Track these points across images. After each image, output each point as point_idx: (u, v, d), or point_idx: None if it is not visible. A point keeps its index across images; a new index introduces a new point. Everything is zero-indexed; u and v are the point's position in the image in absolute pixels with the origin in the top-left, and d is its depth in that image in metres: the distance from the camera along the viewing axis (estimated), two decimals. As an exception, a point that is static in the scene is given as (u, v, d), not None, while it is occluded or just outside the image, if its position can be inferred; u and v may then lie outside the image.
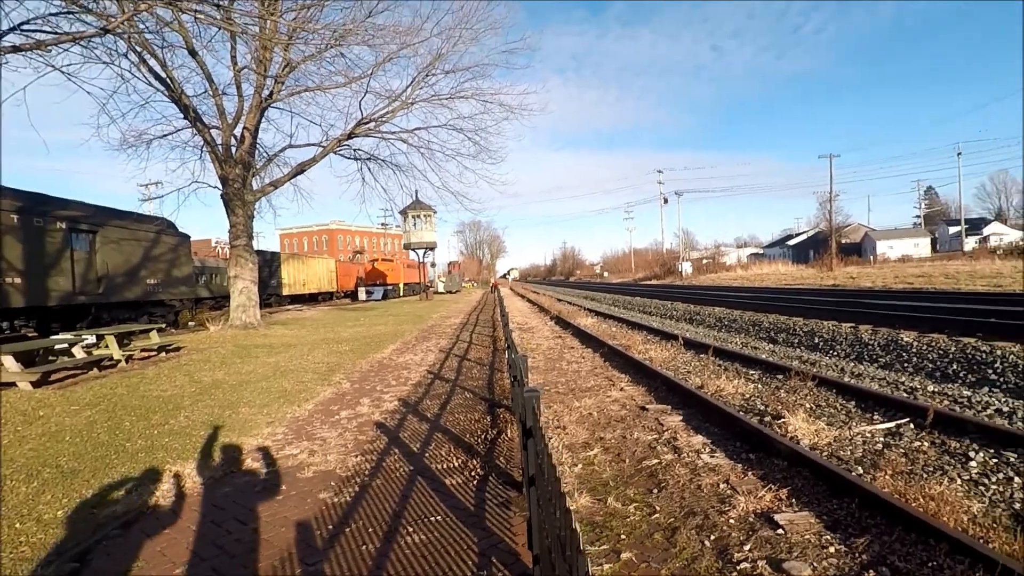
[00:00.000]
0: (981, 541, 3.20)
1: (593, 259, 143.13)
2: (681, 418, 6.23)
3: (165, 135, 17.64)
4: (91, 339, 11.06)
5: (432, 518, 3.77)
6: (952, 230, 73.62)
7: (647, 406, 6.82)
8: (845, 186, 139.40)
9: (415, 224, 40.44)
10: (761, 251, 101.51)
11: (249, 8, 13.84)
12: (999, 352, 8.36)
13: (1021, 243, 53.53)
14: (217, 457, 5.29)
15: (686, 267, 67.22)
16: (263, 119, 17.84)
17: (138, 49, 14.37)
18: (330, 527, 3.71)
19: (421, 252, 42.51)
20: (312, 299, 41.32)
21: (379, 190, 21.93)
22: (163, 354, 12.13)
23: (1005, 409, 6.04)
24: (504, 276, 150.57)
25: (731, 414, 5.79)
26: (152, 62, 14.99)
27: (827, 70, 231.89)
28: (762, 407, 6.50)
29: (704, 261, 75.98)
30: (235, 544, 3.52)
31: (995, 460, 4.55)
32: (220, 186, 17.45)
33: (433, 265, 60.81)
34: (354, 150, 20.54)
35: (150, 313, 18.59)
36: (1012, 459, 4.52)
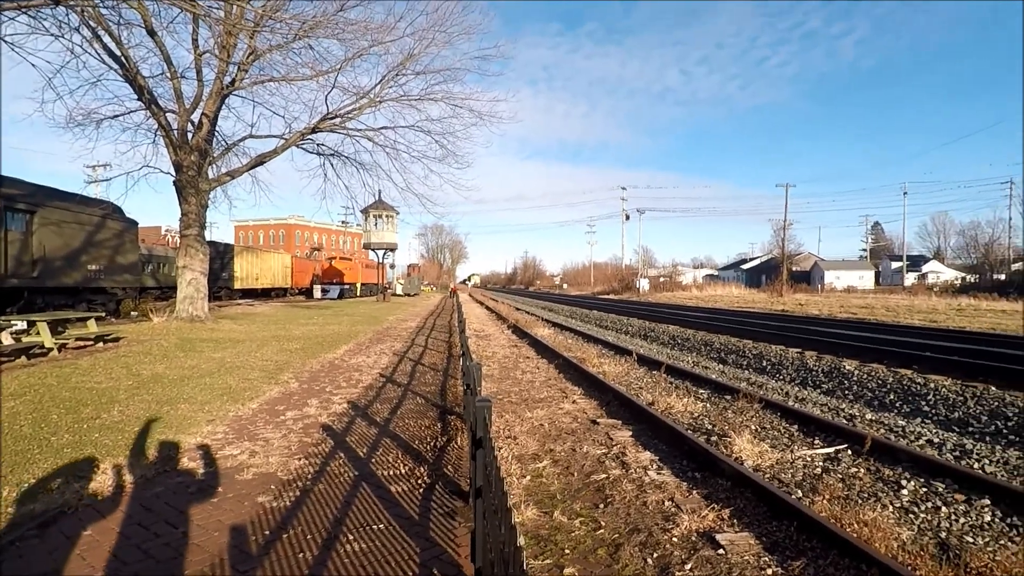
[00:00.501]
0: (909, 568, 3.31)
1: (553, 270, 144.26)
2: (631, 433, 6.28)
3: (116, 116, 16.89)
4: (21, 325, 10.47)
5: (375, 526, 3.68)
6: (894, 265, 77.24)
7: (598, 420, 6.86)
8: (798, 216, 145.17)
9: (376, 224, 39.95)
10: (716, 273, 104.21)
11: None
12: (932, 385, 8.76)
13: (956, 282, 56.60)
14: (151, 455, 5.04)
15: (644, 284, 68.44)
16: (223, 106, 17.34)
17: (91, 24, 13.73)
18: (267, 532, 3.56)
19: (381, 253, 42.00)
20: (265, 294, 40.26)
21: (341, 187, 21.39)
22: (101, 344, 11.57)
23: (936, 440, 6.31)
24: (464, 282, 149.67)
25: (679, 432, 5.86)
26: (106, 38, 14.36)
27: (788, 104, 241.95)
28: (710, 426, 6.62)
29: (661, 279, 77.48)
30: (162, 548, 3.34)
31: (925, 489, 4.73)
32: (173, 172, 16.83)
33: (392, 267, 60.08)
34: (317, 145, 20.17)
35: (89, 300, 17.75)
36: (940, 489, 4.71)
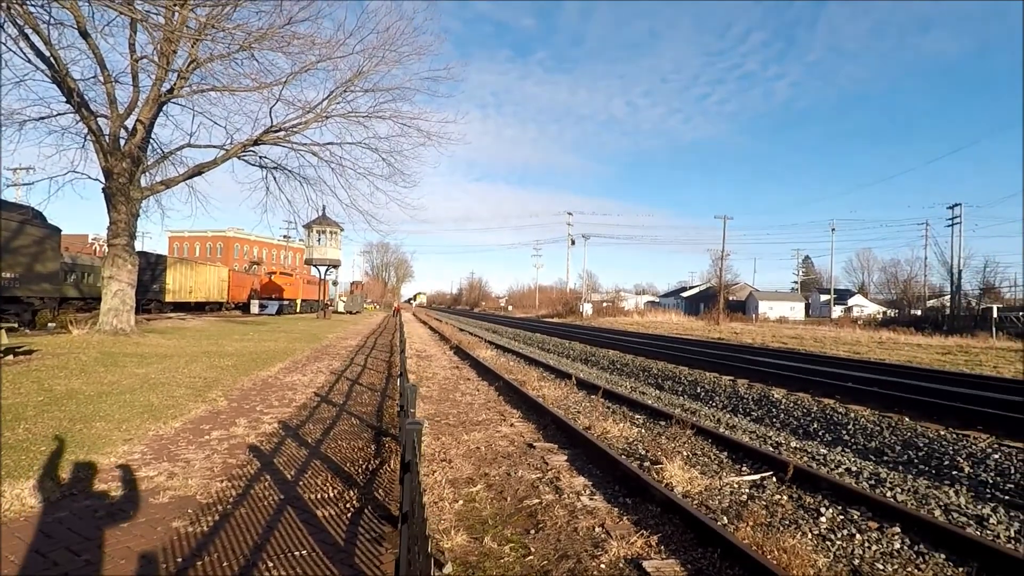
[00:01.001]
0: (823, 591, 3.44)
1: (499, 292, 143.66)
2: (566, 458, 6.31)
3: (42, 118, 16.01)
4: (-80, 332, 9.64)
5: (297, 552, 3.54)
6: (823, 298, 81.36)
7: (535, 444, 6.87)
8: (735, 247, 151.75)
9: (319, 240, 39.17)
10: (657, 300, 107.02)
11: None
12: (852, 415, 9.21)
13: (878, 316, 60.08)
14: (57, 477, 4.70)
15: (587, 308, 69.45)
16: (160, 114, 16.73)
17: (19, 22, 13.04)
18: (179, 560, 3.37)
19: (323, 269, 41.11)
20: (199, 308, 38.58)
21: (283, 201, 20.82)
22: (11, 357, 10.78)
23: (854, 469, 6.61)
24: (408, 301, 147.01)
25: (614, 457, 5.93)
26: (35, 38, 13.65)
27: (727, 139, 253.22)
28: (643, 452, 6.73)
29: (604, 304, 78.92)
30: (61, 578, 3.11)
31: (841, 517, 4.94)
32: (103, 179, 16.03)
33: (335, 283, 58.88)
34: (260, 157, 19.68)
35: (1, 310, 16.54)
36: (855, 516, 4.93)
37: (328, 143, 19.52)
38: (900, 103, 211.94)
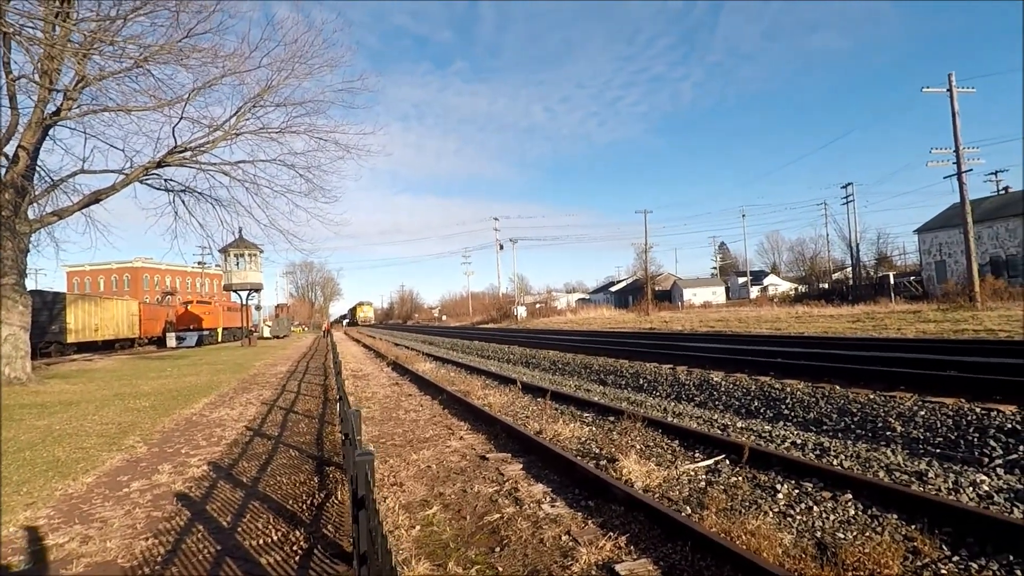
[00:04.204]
0: (796, 574, 3.42)
1: (431, 302, 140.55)
2: (522, 466, 6.13)
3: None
4: None
5: (241, 612, 3.16)
6: (740, 280, 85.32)
7: (487, 455, 6.64)
8: (657, 239, 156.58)
9: (238, 264, 37.31)
10: (588, 296, 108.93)
11: (29, 8, 11.74)
12: (788, 389, 9.53)
13: (791, 292, 63.71)
14: (-58, 559, 4.05)
15: (521, 311, 69.75)
16: (47, 137, 15.28)
17: None
18: (101, 641, 2.93)
19: (245, 294, 39.15)
20: (108, 347, 35.78)
21: (195, 225, 19.41)
22: None
23: (798, 441, 6.80)
24: (341, 319, 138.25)
25: (569, 460, 5.80)
26: None
27: (640, 138, 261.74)
28: (597, 450, 6.65)
29: (538, 305, 79.55)
30: None
31: (796, 491, 5.01)
32: (-17, 213, 14.46)
33: (258, 308, 56.35)
34: (165, 180, 18.34)
35: None
36: (809, 488, 5.02)
37: (240, 161, 18.44)
38: (794, 97, 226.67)
